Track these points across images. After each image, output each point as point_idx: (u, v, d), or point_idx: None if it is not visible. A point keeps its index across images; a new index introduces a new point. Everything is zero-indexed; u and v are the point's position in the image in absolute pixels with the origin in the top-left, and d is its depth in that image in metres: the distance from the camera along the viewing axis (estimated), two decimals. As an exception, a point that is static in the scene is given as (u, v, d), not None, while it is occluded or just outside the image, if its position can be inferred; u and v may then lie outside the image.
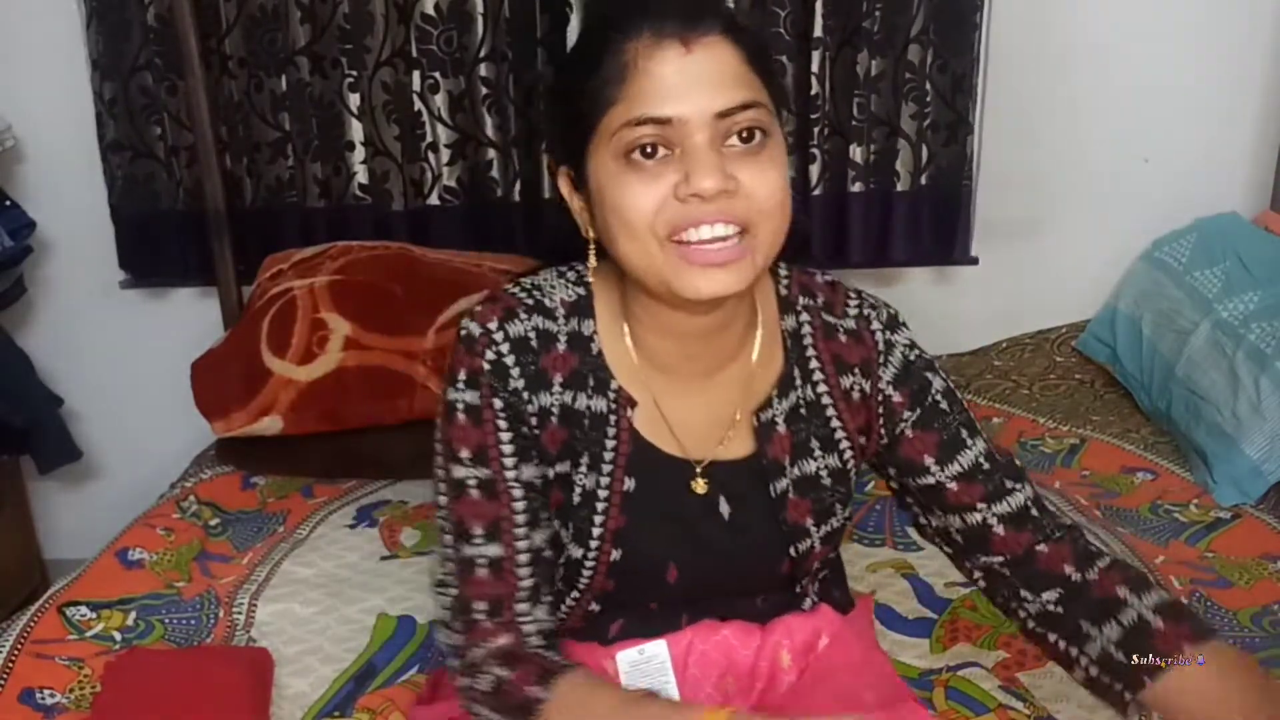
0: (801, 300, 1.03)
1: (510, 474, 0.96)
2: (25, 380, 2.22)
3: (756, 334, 1.01)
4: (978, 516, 1.01)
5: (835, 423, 1.02)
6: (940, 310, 2.33)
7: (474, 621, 0.96)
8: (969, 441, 1.02)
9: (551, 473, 0.99)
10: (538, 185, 2.19)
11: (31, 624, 1.43)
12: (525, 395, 0.96)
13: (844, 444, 1.03)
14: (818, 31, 2.07)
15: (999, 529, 1.01)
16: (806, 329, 1.02)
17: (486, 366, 0.95)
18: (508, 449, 0.96)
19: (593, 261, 0.98)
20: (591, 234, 0.96)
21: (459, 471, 0.96)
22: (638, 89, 0.86)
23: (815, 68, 2.09)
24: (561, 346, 0.97)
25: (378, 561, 1.63)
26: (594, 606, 1.03)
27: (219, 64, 2.13)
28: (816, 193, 2.18)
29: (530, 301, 0.98)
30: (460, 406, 0.96)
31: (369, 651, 1.42)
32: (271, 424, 1.87)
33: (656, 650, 1.03)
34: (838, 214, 2.21)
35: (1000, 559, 1.02)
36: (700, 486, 1.00)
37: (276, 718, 1.30)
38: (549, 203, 2.19)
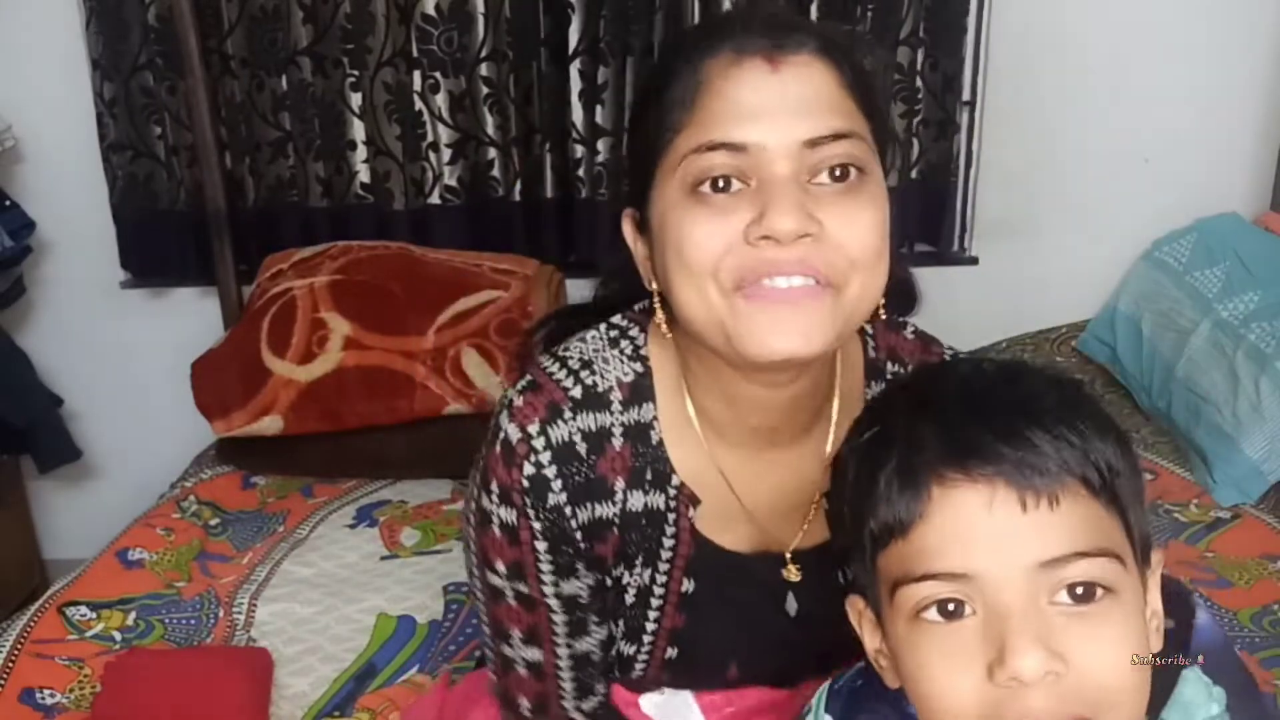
0: (890, 367, 0.92)
1: (549, 589, 0.87)
2: (25, 380, 2.22)
3: (834, 405, 0.88)
4: None
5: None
6: (940, 310, 2.32)
7: (523, 717, 0.94)
8: None
9: (607, 580, 0.89)
10: (538, 185, 2.19)
11: (31, 624, 1.43)
12: (569, 510, 0.84)
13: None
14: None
15: None
16: None
17: (525, 483, 0.83)
18: (546, 568, 0.86)
19: (659, 316, 0.83)
20: (654, 285, 0.82)
21: (495, 580, 0.88)
22: (712, 110, 0.74)
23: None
24: (618, 442, 0.84)
25: (378, 561, 1.63)
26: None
27: (220, 64, 2.13)
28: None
29: (579, 394, 0.84)
30: (495, 521, 0.85)
31: (369, 651, 1.42)
32: (271, 424, 1.87)
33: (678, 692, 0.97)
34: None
35: None
36: (793, 574, 0.89)
37: (276, 718, 1.30)
38: (550, 202, 2.19)
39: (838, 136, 0.73)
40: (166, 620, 1.48)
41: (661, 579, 0.88)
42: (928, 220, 2.26)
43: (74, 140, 2.19)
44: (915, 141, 2.18)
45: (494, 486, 0.84)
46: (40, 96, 2.19)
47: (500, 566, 0.86)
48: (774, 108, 0.73)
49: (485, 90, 2.12)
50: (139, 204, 2.19)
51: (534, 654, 0.89)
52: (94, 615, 1.48)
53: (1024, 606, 0.56)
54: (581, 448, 0.83)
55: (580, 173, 2.15)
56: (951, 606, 0.58)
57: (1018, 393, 0.62)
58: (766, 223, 0.71)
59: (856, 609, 0.67)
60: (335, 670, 1.38)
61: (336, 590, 1.55)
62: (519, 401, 0.84)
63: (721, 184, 0.74)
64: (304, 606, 1.51)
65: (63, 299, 2.35)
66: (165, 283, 2.32)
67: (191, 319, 2.30)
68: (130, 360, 2.36)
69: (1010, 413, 0.59)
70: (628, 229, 0.85)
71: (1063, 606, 0.57)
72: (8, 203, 2.15)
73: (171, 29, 2.06)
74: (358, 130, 2.14)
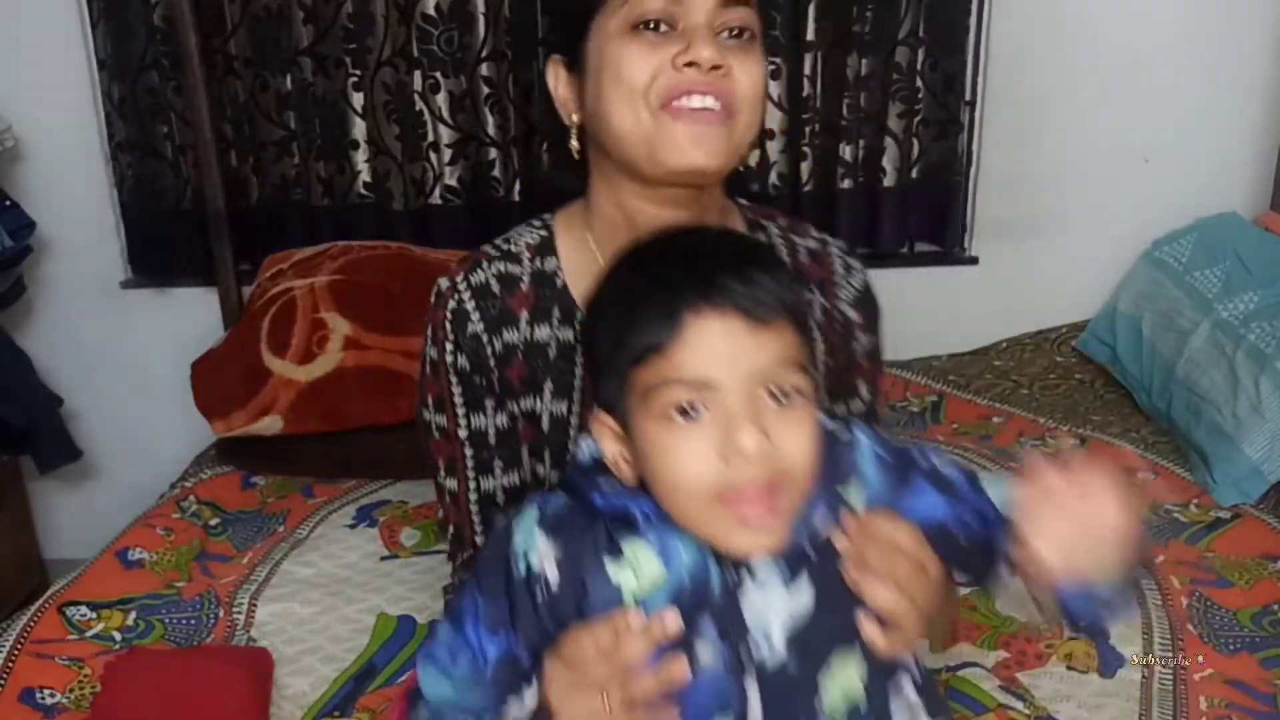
0: (763, 222, 1.12)
1: (461, 423, 1.05)
2: (25, 380, 2.22)
3: None
4: None
5: (815, 333, 1.07)
6: (940, 310, 2.33)
7: (449, 543, 1.09)
8: (877, 383, 1.13)
9: (516, 409, 1.05)
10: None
11: (31, 624, 1.43)
12: (486, 338, 1.03)
13: (820, 356, 1.08)
14: (809, 35, 2.10)
15: None
16: (778, 242, 1.10)
17: (449, 317, 1.04)
18: (459, 401, 1.05)
19: (574, 142, 1.04)
20: (575, 118, 1.02)
21: (427, 415, 1.08)
22: None
23: (807, 70, 2.12)
24: (525, 286, 1.05)
25: (378, 561, 1.63)
26: None
27: (224, 64, 2.13)
28: (807, 189, 2.21)
29: (495, 252, 1.06)
30: (427, 360, 1.07)
31: (369, 651, 1.42)
32: (271, 424, 1.87)
33: None
34: (828, 209, 2.23)
35: None
36: None
37: (276, 718, 1.30)
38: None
39: (741, 2, 0.95)
40: (166, 620, 1.48)
41: (577, 408, 1.04)
42: (929, 220, 2.27)
43: (74, 140, 2.20)
44: (915, 141, 2.19)
45: (429, 330, 1.06)
46: (40, 96, 2.20)
47: (430, 401, 1.07)
48: None
49: (485, 90, 2.13)
50: (146, 203, 2.20)
51: (452, 484, 1.07)
52: (94, 615, 1.48)
53: (746, 403, 0.74)
54: (495, 287, 1.04)
55: (580, 173, 2.16)
56: (693, 411, 0.75)
57: (741, 247, 0.86)
58: (693, 51, 0.92)
59: (600, 422, 0.81)
60: (335, 670, 1.38)
61: (336, 590, 1.55)
62: (454, 266, 1.06)
63: (655, 26, 0.94)
64: (304, 606, 1.52)
65: (63, 299, 2.35)
66: (165, 282, 2.32)
67: (192, 319, 2.30)
68: (130, 360, 2.37)
69: (740, 260, 0.78)
70: (552, 72, 1.05)
71: (772, 404, 0.75)
72: (8, 203, 2.15)
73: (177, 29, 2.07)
74: (360, 130, 2.15)
